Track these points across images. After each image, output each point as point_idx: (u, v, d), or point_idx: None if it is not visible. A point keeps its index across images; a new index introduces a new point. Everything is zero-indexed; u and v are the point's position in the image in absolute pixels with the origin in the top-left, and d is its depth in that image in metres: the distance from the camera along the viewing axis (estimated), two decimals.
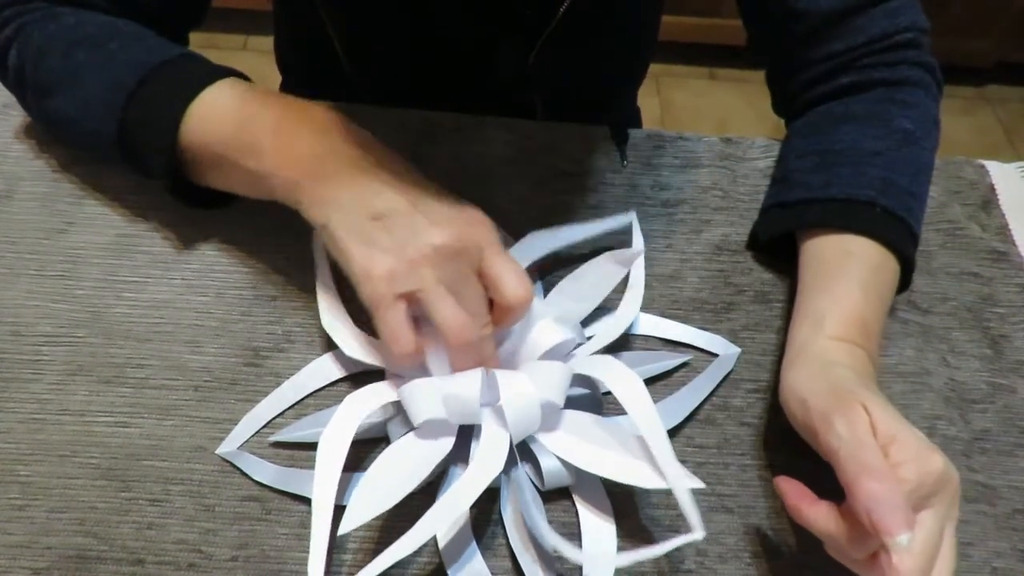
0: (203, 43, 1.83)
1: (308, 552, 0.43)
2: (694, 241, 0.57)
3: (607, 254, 0.51)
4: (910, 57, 0.56)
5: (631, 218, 0.53)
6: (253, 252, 0.53)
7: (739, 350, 0.52)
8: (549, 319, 0.47)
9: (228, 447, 0.46)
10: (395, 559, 0.38)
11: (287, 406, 0.48)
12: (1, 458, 0.45)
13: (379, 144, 0.47)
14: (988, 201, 0.62)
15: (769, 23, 0.59)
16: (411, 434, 0.44)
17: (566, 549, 0.40)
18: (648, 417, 0.42)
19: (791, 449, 0.49)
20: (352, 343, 0.47)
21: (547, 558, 0.43)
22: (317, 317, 0.49)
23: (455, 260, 0.43)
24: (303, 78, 0.80)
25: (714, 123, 1.79)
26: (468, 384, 0.43)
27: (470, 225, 0.44)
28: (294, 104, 0.47)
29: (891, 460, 0.39)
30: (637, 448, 0.42)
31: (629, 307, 0.51)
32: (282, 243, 0.53)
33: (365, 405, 0.43)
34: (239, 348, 0.50)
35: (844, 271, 0.49)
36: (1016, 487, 0.49)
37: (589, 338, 0.49)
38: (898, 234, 0.50)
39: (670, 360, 0.51)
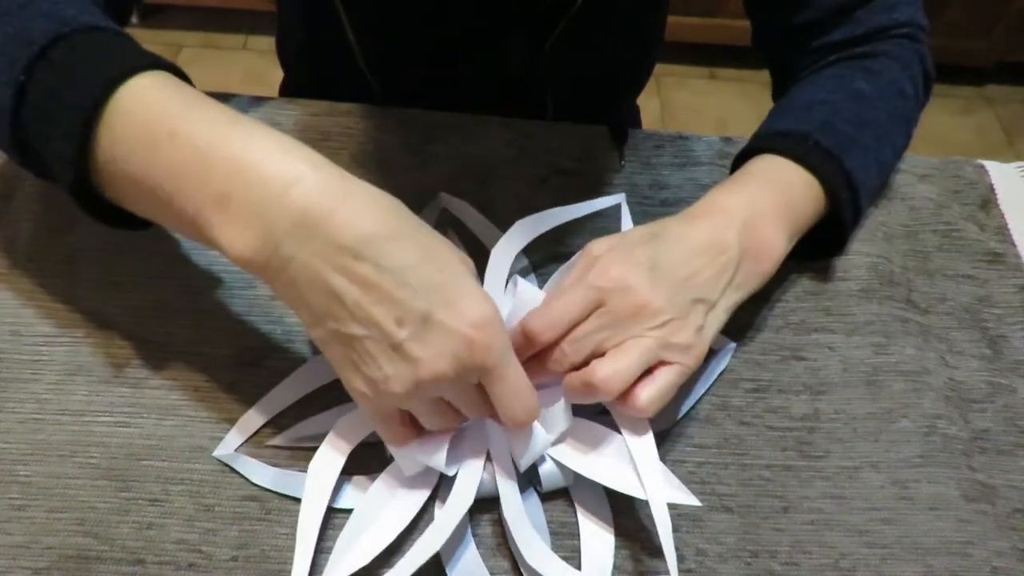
0: (203, 43, 1.83)
1: None
2: None
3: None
4: (901, 43, 0.58)
5: (620, 199, 0.53)
6: None
7: (734, 344, 0.52)
8: None
9: (224, 450, 0.46)
10: None
11: (282, 407, 0.48)
12: (1, 458, 0.45)
13: (353, 191, 0.36)
14: (987, 201, 0.62)
15: (774, 13, 0.61)
16: (392, 474, 0.44)
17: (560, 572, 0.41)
18: (642, 443, 0.43)
19: (791, 449, 0.49)
20: None
21: None
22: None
23: (447, 385, 0.38)
24: (307, 76, 0.80)
25: (714, 123, 1.79)
26: (435, 454, 0.42)
27: (470, 346, 0.36)
28: (253, 142, 0.36)
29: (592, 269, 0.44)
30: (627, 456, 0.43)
31: None
32: None
33: (353, 435, 0.44)
34: (239, 348, 0.50)
35: (756, 176, 0.51)
36: (1016, 486, 0.49)
37: None
38: (827, 166, 0.51)
39: None
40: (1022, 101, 1.88)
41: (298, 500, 0.45)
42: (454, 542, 0.44)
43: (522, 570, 0.43)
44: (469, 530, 0.44)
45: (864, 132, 0.54)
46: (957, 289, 0.57)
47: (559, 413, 0.44)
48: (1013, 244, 0.60)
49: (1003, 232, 0.60)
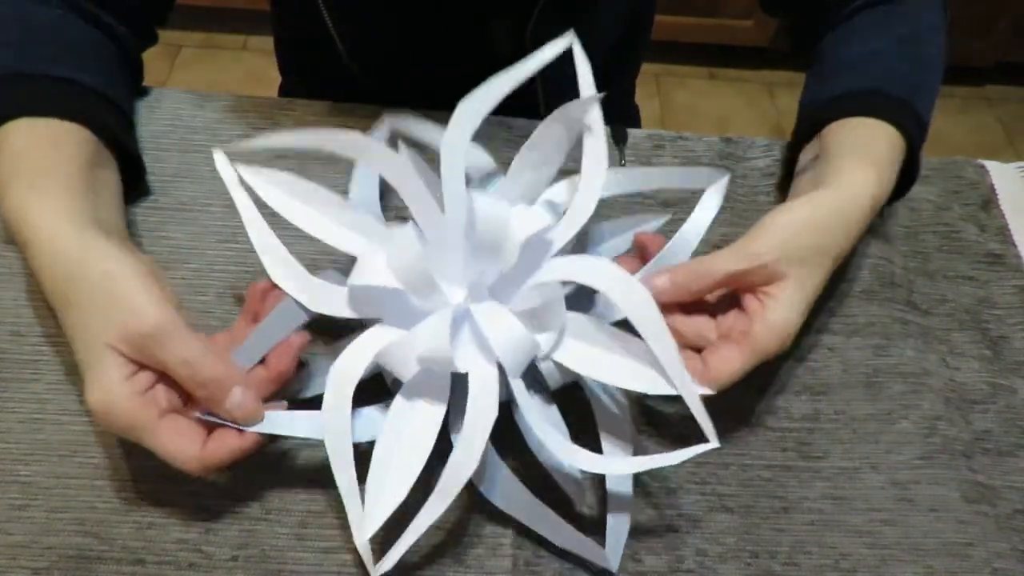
0: (203, 43, 1.83)
1: (308, 552, 0.43)
2: None
3: (557, 111, 0.46)
4: None
5: (569, 39, 0.48)
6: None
7: (728, 174, 0.49)
8: (523, 205, 0.44)
9: None
10: (430, 521, 0.38)
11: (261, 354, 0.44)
12: (1, 458, 0.45)
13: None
14: (988, 201, 0.62)
15: None
16: (401, 402, 0.42)
17: (588, 462, 0.40)
18: (653, 325, 0.40)
19: (791, 450, 0.49)
20: (310, 293, 0.44)
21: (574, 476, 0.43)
22: (316, 317, 0.47)
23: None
24: (302, 77, 0.80)
25: (714, 123, 1.79)
26: (436, 337, 0.40)
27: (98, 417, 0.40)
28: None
29: (758, 321, 0.44)
30: (642, 352, 0.41)
31: (594, 169, 0.46)
32: (282, 243, 0.53)
33: (352, 373, 0.41)
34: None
35: (862, 140, 0.51)
36: (1016, 487, 0.49)
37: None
38: (903, 115, 0.52)
39: (651, 222, 0.49)
40: (1022, 101, 1.88)
41: (299, 498, 0.45)
42: (481, 467, 0.42)
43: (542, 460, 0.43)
44: (495, 453, 0.43)
45: (922, 72, 0.56)
46: (958, 290, 0.57)
47: (553, 311, 0.42)
48: (1014, 244, 0.60)
49: (1003, 233, 0.60)
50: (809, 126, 0.54)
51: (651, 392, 0.41)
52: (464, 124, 0.44)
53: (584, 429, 0.44)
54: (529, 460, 0.44)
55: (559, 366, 0.43)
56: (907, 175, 0.53)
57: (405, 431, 0.41)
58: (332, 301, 0.44)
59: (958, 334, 0.55)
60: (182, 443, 0.40)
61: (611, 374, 0.41)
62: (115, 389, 0.39)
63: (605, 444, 0.44)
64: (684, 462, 0.39)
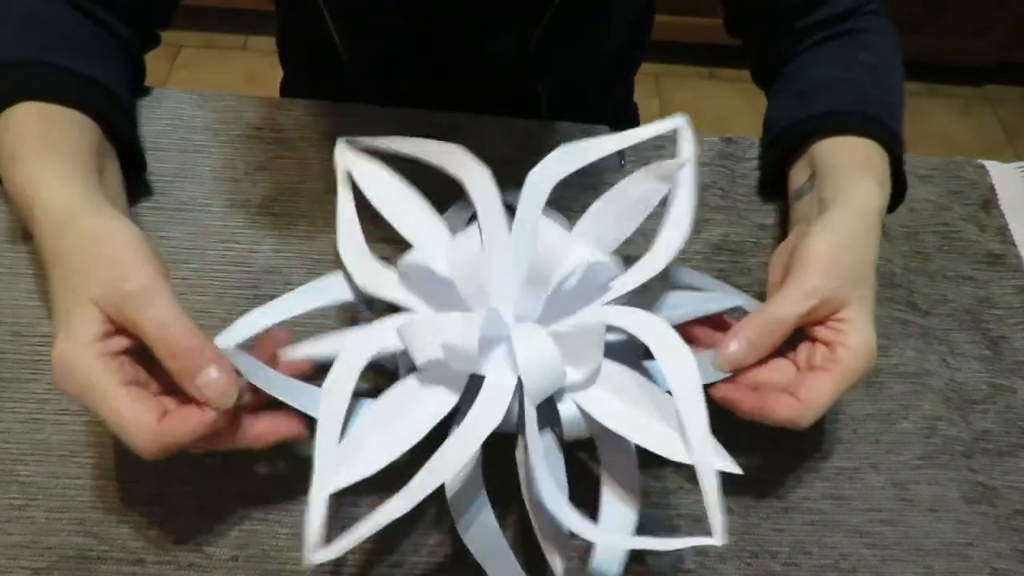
0: (203, 43, 1.83)
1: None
2: (694, 240, 0.57)
3: (644, 168, 0.45)
4: (874, 18, 0.61)
5: (679, 123, 0.47)
6: (253, 252, 0.53)
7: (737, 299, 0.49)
8: (582, 242, 0.43)
9: (223, 343, 0.43)
10: (388, 519, 0.36)
11: (288, 316, 0.45)
12: (1, 458, 0.45)
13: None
14: (988, 201, 0.62)
15: (753, 2, 0.64)
16: (411, 382, 0.41)
17: (579, 525, 0.38)
18: (689, 391, 0.38)
19: (791, 449, 0.49)
20: (365, 272, 0.45)
21: (562, 536, 0.40)
22: (317, 317, 0.48)
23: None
24: (303, 74, 0.80)
25: (714, 123, 1.79)
26: (466, 330, 0.39)
27: (55, 371, 0.39)
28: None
29: (841, 347, 0.43)
30: (674, 415, 0.39)
31: (673, 232, 0.45)
32: (283, 243, 0.53)
33: (365, 352, 0.40)
34: (240, 348, 0.49)
35: (859, 163, 0.51)
36: (1017, 487, 0.49)
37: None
38: (883, 133, 0.53)
39: (719, 302, 0.47)
40: (1022, 101, 1.88)
41: (299, 498, 0.45)
42: (465, 494, 0.40)
43: (532, 519, 0.40)
44: (482, 482, 0.41)
45: (890, 96, 0.57)
46: (958, 290, 0.57)
47: (589, 347, 0.40)
48: (1013, 245, 0.60)
49: (1003, 233, 0.60)
50: (797, 139, 0.55)
51: (676, 460, 0.38)
52: (556, 167, 0.44)
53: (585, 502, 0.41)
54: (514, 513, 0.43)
55: (582, 412, 0.41)
56: (895, 193, 0.54)
57: (404, 407, 0.40)
58: (382, 284, 0.45)
59: (958, 334, 0.55)
60: (139, 410, 0.38)
61: (637, 433, 0.39)
62: (84, 344, 0.38)
63: (605, 514, 0.41)
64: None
